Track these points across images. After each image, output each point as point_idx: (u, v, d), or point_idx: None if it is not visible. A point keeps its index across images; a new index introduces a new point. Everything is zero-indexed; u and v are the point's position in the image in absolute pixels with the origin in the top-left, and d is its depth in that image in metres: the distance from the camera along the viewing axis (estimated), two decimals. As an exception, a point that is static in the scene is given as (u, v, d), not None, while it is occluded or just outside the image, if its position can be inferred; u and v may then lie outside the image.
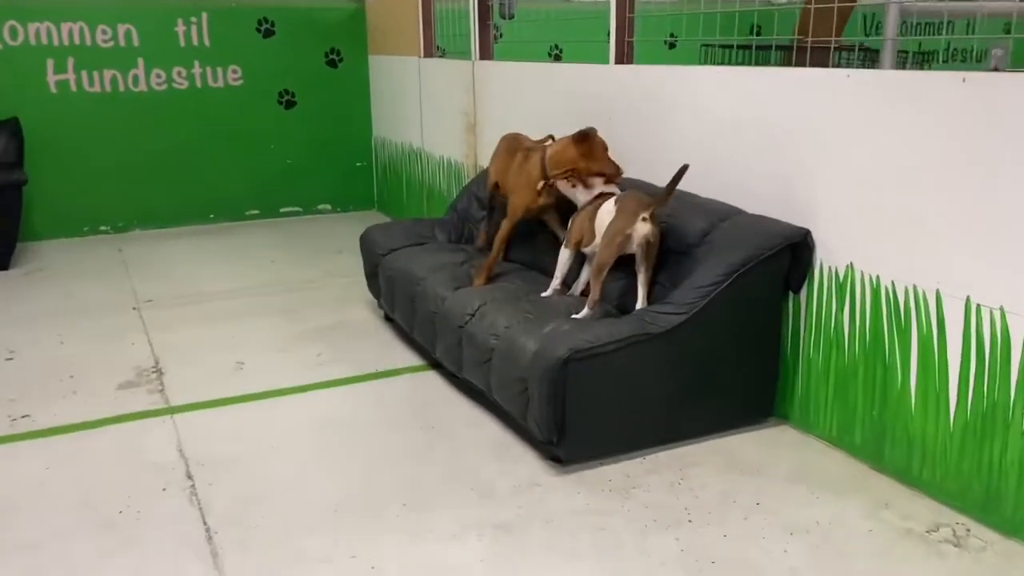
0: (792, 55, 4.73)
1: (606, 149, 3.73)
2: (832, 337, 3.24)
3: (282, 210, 7.57)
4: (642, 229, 3.29)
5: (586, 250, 3.61)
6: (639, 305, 3.38)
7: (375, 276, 4.66)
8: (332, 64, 7.47)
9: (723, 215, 3.42)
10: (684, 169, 3.26)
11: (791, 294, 3.38)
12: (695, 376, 3.26)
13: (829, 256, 3.21)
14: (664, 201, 3.32)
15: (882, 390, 3.06)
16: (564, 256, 3.72)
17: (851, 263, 3.13)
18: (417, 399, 3.80)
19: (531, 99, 5.09)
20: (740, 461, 3.20)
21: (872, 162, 3.00)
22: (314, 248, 6.51)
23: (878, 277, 3.03)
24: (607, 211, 3.43)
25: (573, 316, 3.45)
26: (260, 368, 4.17)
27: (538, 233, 4.24)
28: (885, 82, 2.98)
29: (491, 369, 3.41)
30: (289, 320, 4.86)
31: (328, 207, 7.73)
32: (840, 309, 3.20)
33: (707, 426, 3.37)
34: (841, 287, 3.18)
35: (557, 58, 7.40)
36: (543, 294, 3.71)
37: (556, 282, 3.74)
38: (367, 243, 4.77)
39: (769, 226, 3.28)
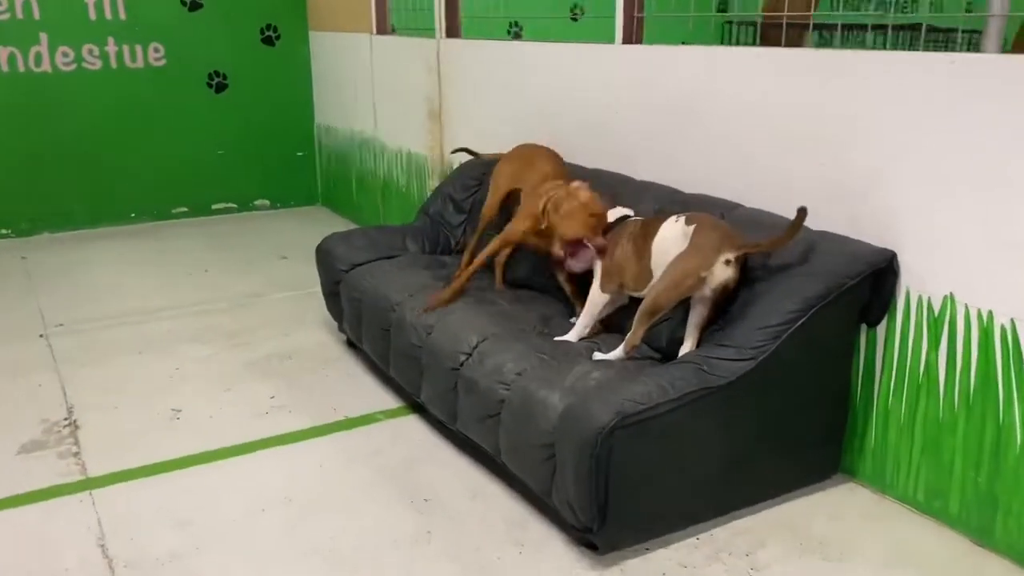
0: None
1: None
2: (921, 382, 2.65)
3: (214, 207, 6.70)
4: (722, 274, 2.61)
5: (636, 294, 2.86)
6: (686, 349, 2.73)
7: (336, 296, 3.92)
8: (268, 42, 6.61)
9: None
10: (803, 213, 2.57)
11: (862, 328, 2.77)
12: (758, 433, 2.64)
13: (919, 284, 2.61)
14: (765, 247, 2.62)
15: (993, 452, 2.49)
16: (598, 300, 2.97)
17: (951, 293, 2.53)
18: (400, 458, 3.09)
19: (512, 84, 4.38)
20: (815, 537, 2.59)
21: (981, 166, 2.40)
22: (254, 252, 5.70)
23: (991, 313, 2.44)
24: (672, 238, 2.73)
25: (598, 356, 2.79)
26: (201, 418, 3.39)
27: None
28: (998, 68, 2.38)
29: (500, 427, 2.74)
30: (233, 347, 4.07)
31: (266, 203, 6.89)
32: (933, 348, 2.60)
33: (767, 490, 2.76)
34: (936, 322, 2.59)
35: (517, 36, 6.67)
36: (562, 337, 2.99)
37: (583, 329, 3.01)
38: (325, 256, 4.01)
39: (846, 247, 2.66)
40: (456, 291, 3.30)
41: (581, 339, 2.94)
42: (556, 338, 2.96)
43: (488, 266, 3.47)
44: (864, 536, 2.61)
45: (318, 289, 4.17)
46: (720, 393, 2.46)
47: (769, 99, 2.98)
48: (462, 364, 2.96)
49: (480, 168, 4.18)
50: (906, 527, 2.66)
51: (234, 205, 6.76)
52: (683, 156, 3.38)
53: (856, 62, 2.71)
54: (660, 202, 3.21)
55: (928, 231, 2.56)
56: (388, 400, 3.53)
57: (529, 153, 3.64)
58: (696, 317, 2.71)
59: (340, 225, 6.31)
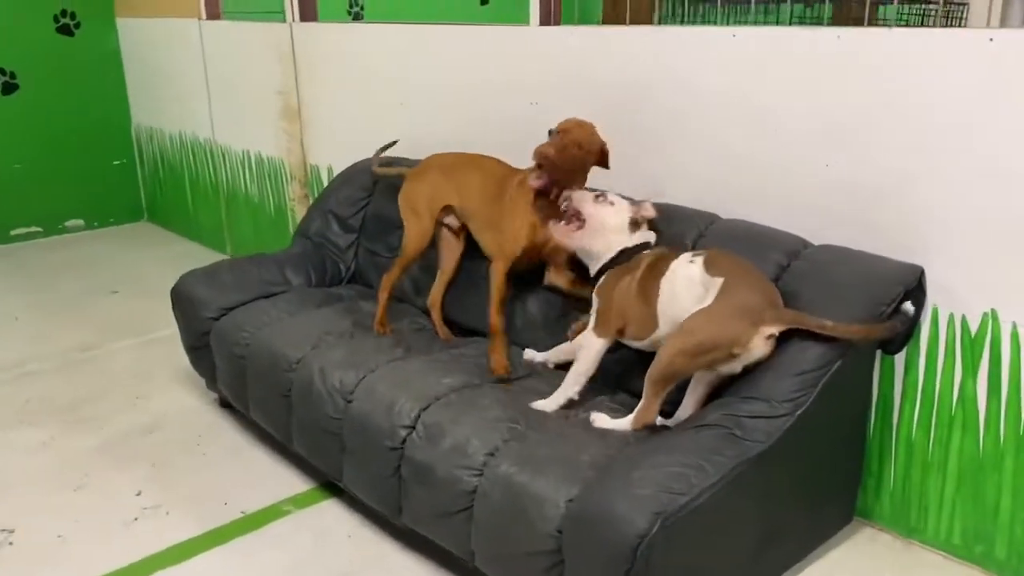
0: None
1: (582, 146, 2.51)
2: (954, 413, 2.29)
3: (13, 232, 5.56)
4: (760, 351, 2.08)
5: (637, 344, 2.33)
6: (686, 412, 2.23)
7: (204, 349, 3.13)
8: (66, 31, 5.51)
9: (789, 250, 2.33)
10: (904, 301, 2.11)
11: (876, 354, 2.38)
12: (788, 495, 2.20)
13: (951, 301, 2.24)
14: (833, 331, 2.04)
15: (1051, 490, 2.16)
16: (594, 346, 2.33)
17: (992, 310, 2.18)
18: (333, 572, 2.41)
19: (397, 76, 3.71)
20: (861, 612, 2.19)
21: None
22: (74, 288, 4.69)
23: (1047, 333, 2.10)
24: (685, 282, 2.20)
25: (599, 423, 2.25)
26: (45, 538, 2.56)
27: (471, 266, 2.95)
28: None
29: (472, 526, 2.14)
30: (73, 426, 3.20)
31: (80, 223, 5.81)
32: (970, 374, 2.25)
33: (794, 554, 2.33)
34: (973, 344, 2.22)
35: (358, 17, 5.92)
36: (538, 404, 2.37)
37: (571, 389, 2.34)
38: (185, 303, 3.20)
39: (869, 265, 2.24)
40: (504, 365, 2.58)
41: (567, 400, 2.35)
42: (533, 405, 2.36)
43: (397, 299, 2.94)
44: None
45: (167, 332, 3.38)
46: (758, 460, 1.98)
47: (755, 88, 2.52)
48: (404, 442, 2.32)
49: (367, 176, 3.49)
50: (948, 579, 2.31)
51: (39, 229, 5.64)
52: (634, 157, 2.86)
53: (876, 40, 2.27)
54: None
55: (963, 239, 2.19)
56: (293, 481, 2.82)
57: (453, 160, 2.98)
58: (702, 387, 2.22)
59: (173, 243, 5.42)
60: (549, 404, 2.34)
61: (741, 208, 2.56)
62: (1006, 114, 2.05)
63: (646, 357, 2.23)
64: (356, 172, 3.57)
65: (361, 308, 3.07)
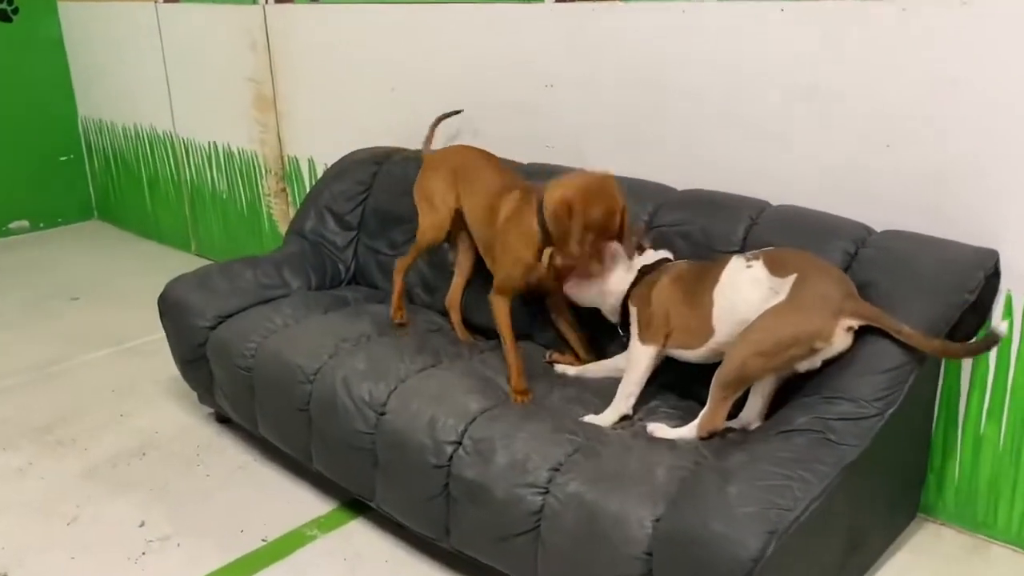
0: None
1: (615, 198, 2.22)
2: (1030, 402, 2.19)
3: (-46, 237, 5.15)
4: (841, 344, 1.94)
5: (687, 355, 2.15)
6: (753, 412, 2.09)
7: (199, 362, 2.87)
8: (3, 16, 5.08)
9: (855, 238, 2.19)
10: (994, 338, 1.88)
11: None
12: (872, 498, 2.07)
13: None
14: (910, 337, 1.89)
15: None
16: (642, 357, 2.17)
17: (1074, 295, 2.08)
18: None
19: (387, 61, 3.47)
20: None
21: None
22: (29, 296, 4.34)
23: None
24: (747, 286, 2.03)
25: (658, 432, 2.09)
26: (44, 583, 2.29)
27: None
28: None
29: (540, 548, 1.96)
30: (51, 450, 2.91)
31: (25, 224, 5.40)
32: (1048, 363, 2.15)
33: (871, 558, 2.21)
34: (1052, 331, 2.12)
35: None
36: (589, 418, 2.19)
37: (624, 403, 2.17)
38: (175, 310, 2.93)
39: (942, 251, 2.11)
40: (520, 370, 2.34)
41: (621, 417, 2.18)
42: (585, 419, 2.18)
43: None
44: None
45: (144, 340, 3.11)
46: (853, 465, 1.84)
47: (802, 65, 2.37)
48: (451, 459, 2.13)
49: (367, 167, 3.26)
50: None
51: (-18, 232, 5.23)
52: (664, 143, 2.70)
53: (943, 15, 2.14)
54: (652, 202, 2.53)
55: (1040, 220, 2.08)
56: (312, 501, 2.60)
57: (463, 160, 2.71)
58: (770, 385, 2.07)
59: (129, 243, 5.10)
60: (603, 419, 2.17)
61: (788, 194, 2.41)
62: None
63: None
64: (351, 164, 3.33)
65: (372, 311, 2.84)
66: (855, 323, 1.91)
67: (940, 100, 2.15)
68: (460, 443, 2.14)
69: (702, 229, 2.39)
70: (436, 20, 3.24)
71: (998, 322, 1.81)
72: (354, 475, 2.40)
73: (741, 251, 2.30)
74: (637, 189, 2.61)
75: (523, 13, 2.95)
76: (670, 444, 2.03)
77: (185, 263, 4.67)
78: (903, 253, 2.10)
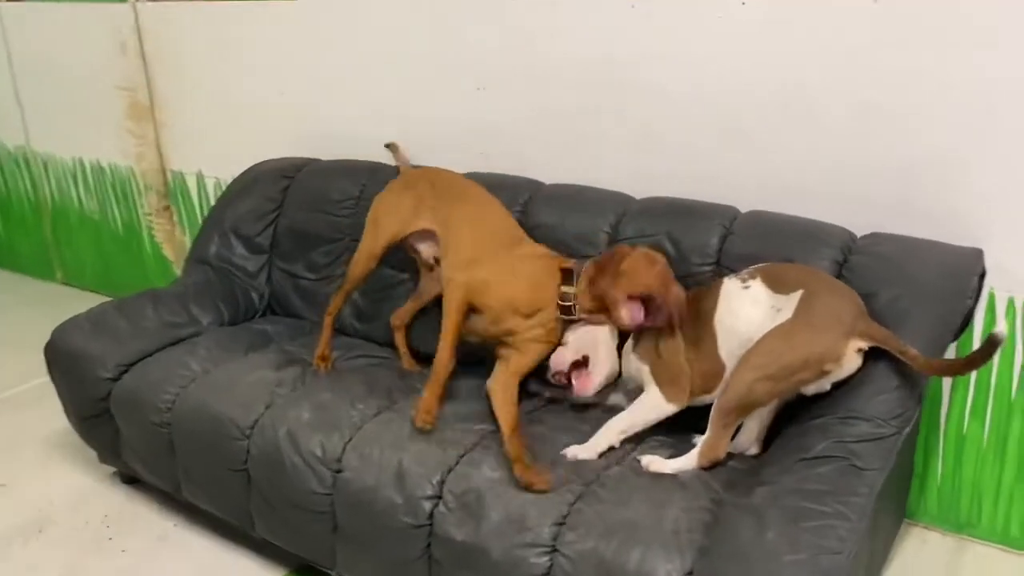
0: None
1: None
2: (1015, 399, 2.16)
3: None
4: (852, 364, 1.80)
5: (710, 399, 1.91)
6: (750, 436, 1.96)
7: (100, 418, 2.48)
8: None
9: (841, 244, 2.09)
10: (997, 342, 1.68)
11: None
12: (883, 516, 1.97)
13: (1010, 284, 2.10)
14: (914, 360, 1.75)
15: (1124, 468, 2.08)
16: (661, 413, 1.97)
17: (1058, 291, 2.04)
18: None
19: (281, 63, 3.13)
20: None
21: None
22: None
23: (1121, 310, 1.99)
24: (746, 306, 1.88)
25: (654, 465, 1.91)
26: None
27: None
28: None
29: (550, 614, 1.74)
30: (-78, 540, 2.45)
31: None
32: (1032, 359, 2.12)
33: (875, 573, 2.11)
34: (1036, 327, 2.09)
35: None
36: (572, 450, 1.96)
37: (616, 438, 1.97)
38: (69, 360, 2.52)
39: (931, 254, 2.02)
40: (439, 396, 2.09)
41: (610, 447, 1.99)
42: (566, 453, 1.97)
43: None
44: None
45: (18, 390, 2.69)
46: (876, 488, 1.73)
47: (771, 63, 2.24)
48: (431, 517, 1.88)
49: (276, 182, 2.93)
50: (1013, 573, 2.19)
51: None
52: (622, 148, 2.53)
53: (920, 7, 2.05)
54: (613, 213, 2.35)
55: (1020, 217, 2.03)
56: (255, 571, 2.28)
57: (444, 180, 2.41)
58: (768, 410, 1.94)
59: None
60: (588, 451, 1.97)
61: (756, 199, 2.29)
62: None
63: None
64: (256, 179, 2.99)
65: (301, 349, 2.53)
66: (866, 344, 1.79)
67: (914, 94, 2.07)
68: (439, 497, 1.89)
69: (673, 240, 2.23)
70: (336, 16, 2.94)
71: (998, 325, 1.73)
72: (309, 541, 2.11)
73: (718, 263, 2.17)
74: (592, 199, 2.44)
75: (448, 6, 2.69)
76: (675, 480, 1.86)
77: (48, 293, 4.17)
78: (895, 260, 2.00)
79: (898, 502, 2.21)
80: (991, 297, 2.11)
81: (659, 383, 1.95)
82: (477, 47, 2.67)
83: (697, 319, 1.93)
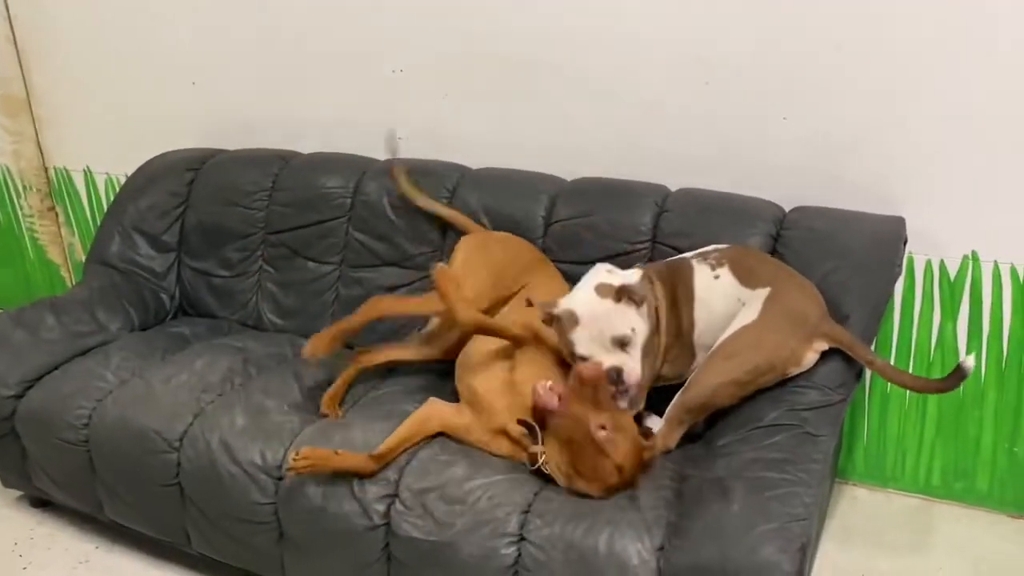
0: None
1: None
2: (933, 358, 2.28)
3: None
4: (810, 363, 1.83)
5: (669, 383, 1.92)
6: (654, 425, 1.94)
7: (4, 439, 2.28)
8: None
9: (773, 218, 2.13)
10: (962, 374, 1.76)
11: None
12: (828, 478, 2.04)
13: (928, 248, 2.19)
14: (870, 361, 1.82)
15: (1034, 417, 2.22)
16: None
17: (973, 252, 2.16)
18: None
19: (184, 48, 2.95)
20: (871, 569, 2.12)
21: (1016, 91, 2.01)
22: None
23: (1030, 266, 2.12)
24: (718, 296, 1.87)
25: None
26: None
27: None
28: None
29: (522, 605, 1.72)
30: None
31: None
32: (949, 318, 2.23)
33: (819, 536, 2.18)
34: (953, 287, 2.20)
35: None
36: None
37: None
38: (-38, 379, 2.31)
39: (857, 224, 2.09)
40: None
41: None
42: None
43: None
44: (906, 544, 2.20)
45: None
46: (829, 454, 1.79)
47: (692, 37, 2.25)
48: (387, 517, 1.82)
49: (180, 175, 2.76)
50: (937, 520, 2.31)
51: None
52: (544, 131, 2.50)
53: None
54: (545, 195, 2.33)
55: (938, 183, 2.13)
56: (189, 587, 2.16)
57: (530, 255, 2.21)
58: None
59: None
60: None
61: (684, 176, 2.31)
62: (973, 53, 2.00)
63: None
64: (157, 173, 2.81)
65: (225, 348, 2.41)
66: (828, 346, 1.83)
67: (832, 67, 2.13)
68: (395, 496, 1.83)
69: (608, 220, 2.23)
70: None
71: (965, 358, 1.76)
72: (253, 553, 2.01)
73: (653, 240, 2.18)
74: (523, 182, 2.41)
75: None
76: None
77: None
78: (827, 232, 2.06)
79: (834, 464, 2.29)
80: (910, 260, 2.20)
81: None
82: (393, 28, 2.58)
83: (674, 306, 1.90)
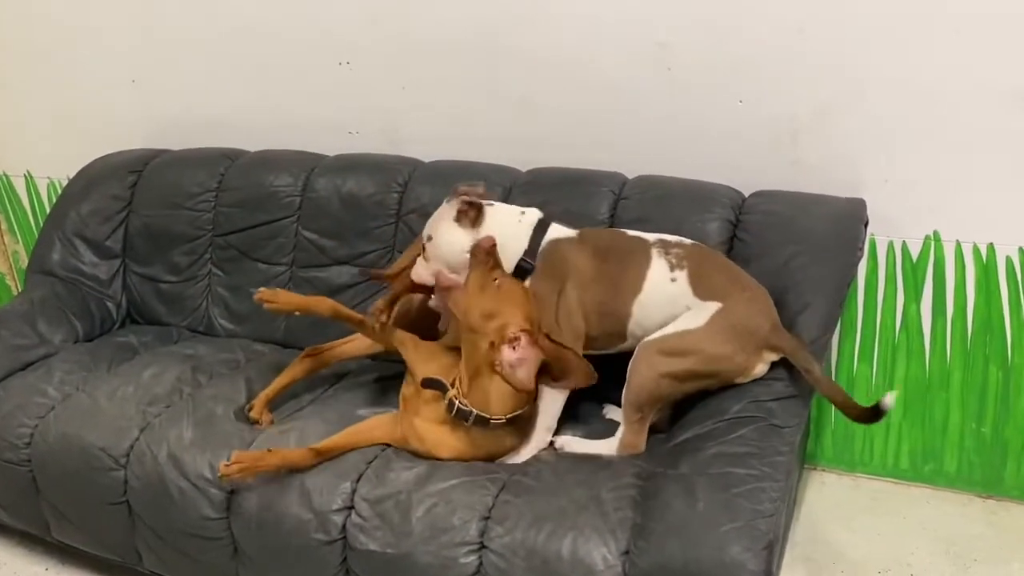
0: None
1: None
2: (898, 340, 2.25)
3: None
4: (761, 372, 1.80)
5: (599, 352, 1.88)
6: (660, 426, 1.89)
7: (-58, 461, 2.18)
8: None
9: (731, 203, 2.09)
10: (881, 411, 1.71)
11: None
12: (796, 467, 2.00)
13: (890, 230, 2.16)
14: (814, 379, 1.77)
15: (999, 397, 2.20)
16: (556, 399, 1.85)
17: (935, 232, 2.13)
18: None
19: (123, 44, 2.84)
20: (835, 552, 2.08)
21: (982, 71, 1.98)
22: None
23: (991, 247, 2.09)
24: (666, 297, 1.81)
25: (570, 447, 1.86)
26: None
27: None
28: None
29: (484, 616, 1.66)
30: None
31: None
32: (913, 299, 2.20)
33: (790, 523, 2.15)
34: (915, 269, 2.17)
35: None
36: (516, 459, 1.84)
37: (545, 436, 1.87)
38: None
39: (818, 208, 2.05)
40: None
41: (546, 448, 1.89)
42: (506, 461, 1.86)
43: None
44: (877, 528, 2.18)
45: None
46: (795, 445, 1.75)
47: (643, 18, 2.19)
48: (344, 530, 1.75)
49: (122, 178, 2.67)
50: (907, 503, 2.29)
51: None
52: (498, 121, 2.43)
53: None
54: (500, 186, 2.27)
55: (897, 164, 2.10)
56: (144, 608, 2.08)
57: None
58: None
59: None
60: (523, 457, 1.85)
61: (639, 163, 2.25)
62: (931, 31, 1.96)
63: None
64: (98, 176, 2.71)
65: (173, 356, 2.33)
66: (777, 357, 1.79)
67: (787, 49, 2.08)
68: (351, 508, 1.76)
69: (564, 210, 2.15)
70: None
71: (886, 395, 1.72)
72: (207, 570, 1.93)
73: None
74: (475, 173, 2.33)
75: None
76: (598, 460, 1.81)
77: None
78: (787, 216, 2.02)
79: (802, 450, 2.26)
80: (872, 243, 2.17)
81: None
82: (338, 19, 2.49)
83: (615, 286, 1.83)
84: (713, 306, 1.77)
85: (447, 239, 1.87)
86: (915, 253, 2.15)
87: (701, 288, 1.79)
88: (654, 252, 1.85)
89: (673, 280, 1.81)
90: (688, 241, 1.89)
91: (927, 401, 2.27)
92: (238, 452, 1.78)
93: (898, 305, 2.21)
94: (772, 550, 1.47)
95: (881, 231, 2.14)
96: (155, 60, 2.79)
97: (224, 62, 2.69)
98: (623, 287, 1.82)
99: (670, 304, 1.80)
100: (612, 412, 1.95)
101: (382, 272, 2.14)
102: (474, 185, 1.96)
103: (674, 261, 1.83)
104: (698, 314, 1.78)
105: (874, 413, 1.70)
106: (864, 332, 2.27)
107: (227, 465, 1.74)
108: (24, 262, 3.37)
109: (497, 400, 1.74)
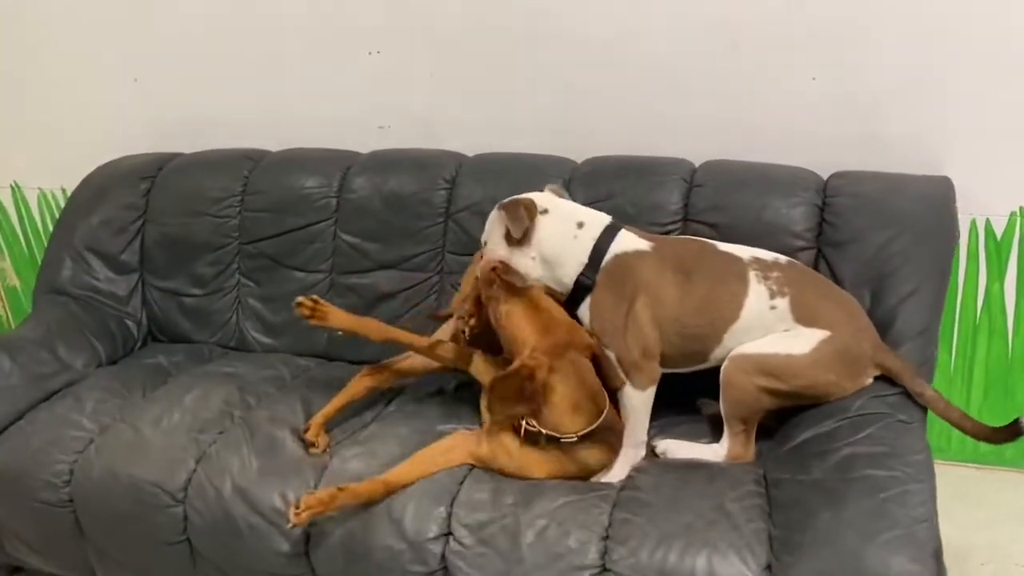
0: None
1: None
2: (979, 321, 2.17)
3: None
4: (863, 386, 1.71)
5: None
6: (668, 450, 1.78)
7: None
8: None
9: (815, 187, 1.97)
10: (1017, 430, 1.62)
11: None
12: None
13: (973, 207, 2.07)
14: (916, 388, 1.68)
15: (1088, 376, 2.14)
16: (641, 403, 1.73)
17: (1021, 208, 2.05)
18: None
19: (126, 43, 2.63)
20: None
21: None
22: None
23: (1082, 220, 2.02)
24: (764, 327, 1.70)
25: (673, 453, 1.75)
26: None
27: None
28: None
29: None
30: None
31: None
32: (997, 279, 2.13)
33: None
34: (1000, 247, 2.09)
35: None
36: (609, 478, 1.70)
37: (636, 452, 1.74)
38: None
39: (906, 188, 1.94)
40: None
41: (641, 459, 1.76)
42: (599, 479, 1.72)
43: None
44: (971, 517, 2.11)
45: None
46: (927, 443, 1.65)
47: (712, -2, 2.07)
48: (443, 560, 1.61)
49: (134, 185, 2.47)
50: (993, 488, 2.23)
51: None
52: (536, 104, 2.30)
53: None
54: (558, 178, 2.12)
55: (982, 140, 2.01)
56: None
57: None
58: None
59: None
60: (614, 476, 1.71)
61: (709, 148, 2.13)
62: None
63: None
64: (107, 185, 2.51)
65: (214, 375, 2.15)
66: (878, 373, 1.70)
67: (865, 20, 1.98)
68: (449, 534, 1.62)
69: (631, 202, 2.04)
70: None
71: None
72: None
73: (685, 219, 2.00)
74: (529, 167, 2.20)
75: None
76: (710, 467, 1.69)
77: None
78: (876, 199, 1.91)
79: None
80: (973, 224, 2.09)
81: (624, 368, 1.71)
82: (365, 5, 2.32)
83: (704, 310, 1.70)
84: (818, 334, 1.67)
85: (497, 255, 1.78)
86: (999, 231, 2.07)
87: (804, 316, 1.69)
88: (752, 276, 1.71)
89: (773, 308, 1.69)
90: (784, 259, 1.77)
91: (1009, 384, 2.20)
92: (306, 496, 1.60)
93: (980, 285, 2.13)
94: (939, 559, 1.37)
95: (963, 208, 2.03)
96: (159, 56, 2.59)
97: (237, 54, 2.51)
98: (715, 312, 1.70)
99: (766, 330, 1.70)
100: (708, 406, 1.83)
101: (443, 313, 1.96)
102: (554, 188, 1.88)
103: (775, 288, 1.70)
104: (800, 339, 1.67)
105: (1012, 432, 1.59)
106: (944, 314, 2.16)
107: (297, 514, 1.57)
108: (12, 279, 3.14)
109: (559, 419, 1.63)
